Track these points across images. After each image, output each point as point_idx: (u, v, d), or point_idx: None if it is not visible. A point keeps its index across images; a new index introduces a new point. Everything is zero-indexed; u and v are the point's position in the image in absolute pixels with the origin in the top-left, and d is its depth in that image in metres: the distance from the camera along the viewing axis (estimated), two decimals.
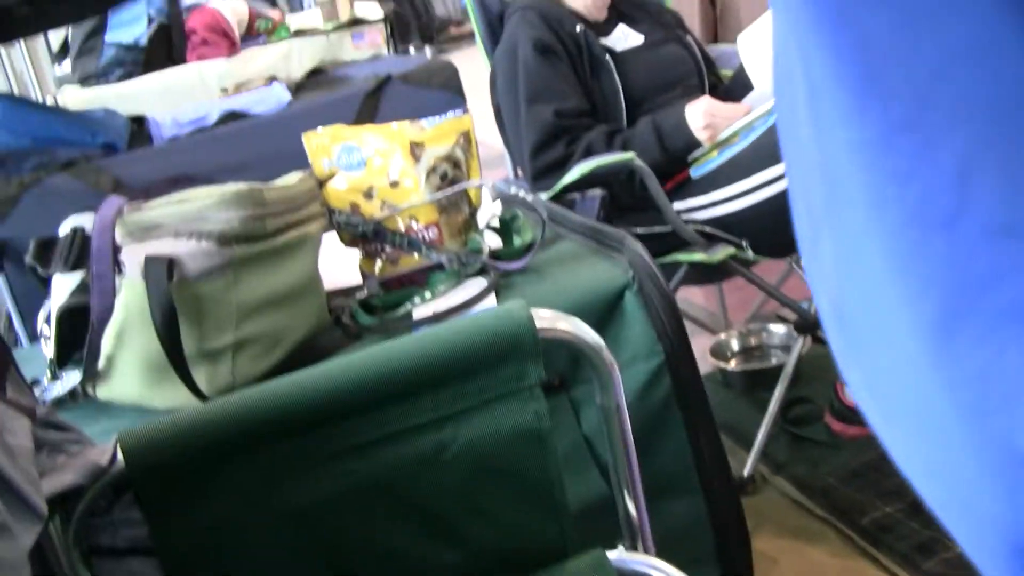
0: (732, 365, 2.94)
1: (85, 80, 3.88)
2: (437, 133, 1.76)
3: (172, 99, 3.49)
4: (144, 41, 3.85)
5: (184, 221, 1.40)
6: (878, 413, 0.42)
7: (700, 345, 2.89)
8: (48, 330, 1.58)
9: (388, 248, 1.74)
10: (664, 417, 1.59)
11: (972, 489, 0.37)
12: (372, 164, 1.75)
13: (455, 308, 1.58)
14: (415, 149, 1.74)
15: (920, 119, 0.35)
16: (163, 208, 1.43)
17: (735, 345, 3.01)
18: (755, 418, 2.44)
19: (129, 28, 3.86)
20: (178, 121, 2.86)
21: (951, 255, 0.35)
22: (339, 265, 1.78)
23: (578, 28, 2.62)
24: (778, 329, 2.98)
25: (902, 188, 0.36)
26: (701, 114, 2.40)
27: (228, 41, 4.04)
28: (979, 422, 0.35)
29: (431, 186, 1.73)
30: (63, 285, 1.53)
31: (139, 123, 2.91)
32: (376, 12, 4.14)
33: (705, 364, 2.85)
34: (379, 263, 1.76)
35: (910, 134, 0.36)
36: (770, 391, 2.43)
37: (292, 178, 1.61)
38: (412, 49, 10.36)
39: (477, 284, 1.65)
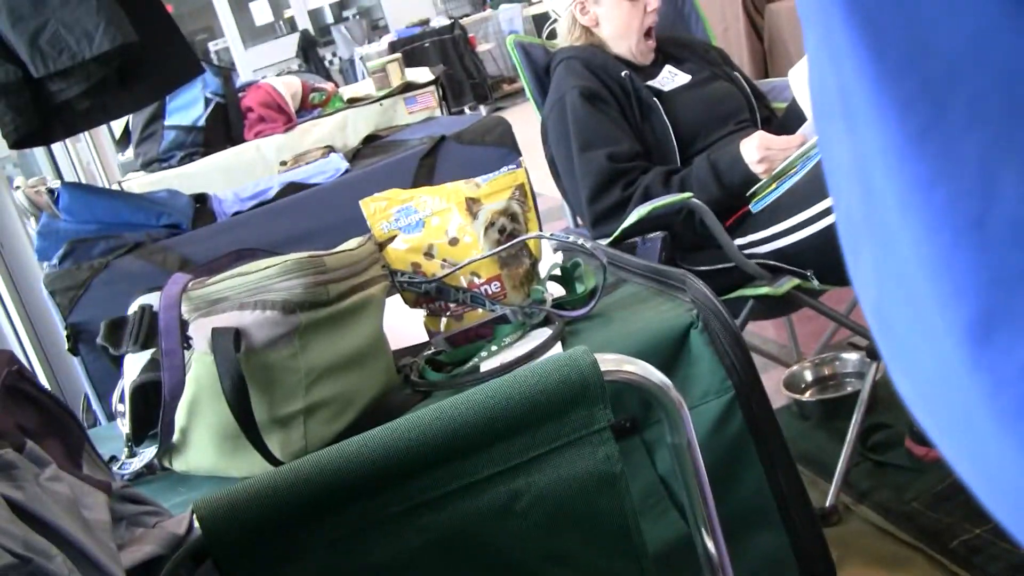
0: (807, 396, 2.91)
1: (148, 165, 3.96)
2: (492, 188, 1.78)
3: (233, 177, 3.56)
4: (202, 122, 3.93)
5: (248, 292, 1.42)
6: (931, 423, 0.42)
7: (774, 378, 2.87)
8: (123, 408, 1.61)
9: (452, 305, 1.75)
10: (739, 452, 1.58)
11: (1020, 496, 0.37)
12: (430, 224, 1.77)
13: (522, 358, 1.58)
14: (472, 206, 1.75)
15: (939, 122, 0.35)
16: (227, 281, 1.45)
17: (809, 376, 2.98)
18: (834, 448, 2.42)
19: (187, 111, 3.94)
20: (240, 197, 2.90)
21: (982, 256, 0.35)
22: (405, 325, 1.79)
23: (623, 73, 2.63)
24: (851, 357, 2.94)
25: (928, 192, 0.36)
26: (756, 148, 2.40)
27: (284, 116, 4.11)
28: (1019, 427, 0.35)
29: (490, 241, 1.74)
30: (135, 363, 1.56)
31: (202, 201, 2.96)
32: (427, 76, 4.20)
33: (780, 397, 2.83)
34: (444, 320, 1.77)
35: (931, 138, 0.36)
36: (847, 420, 2.41)
37: (352, 243, 1.62)
38: (467, 109, 10.45)
39: (543, 334, 1.66)
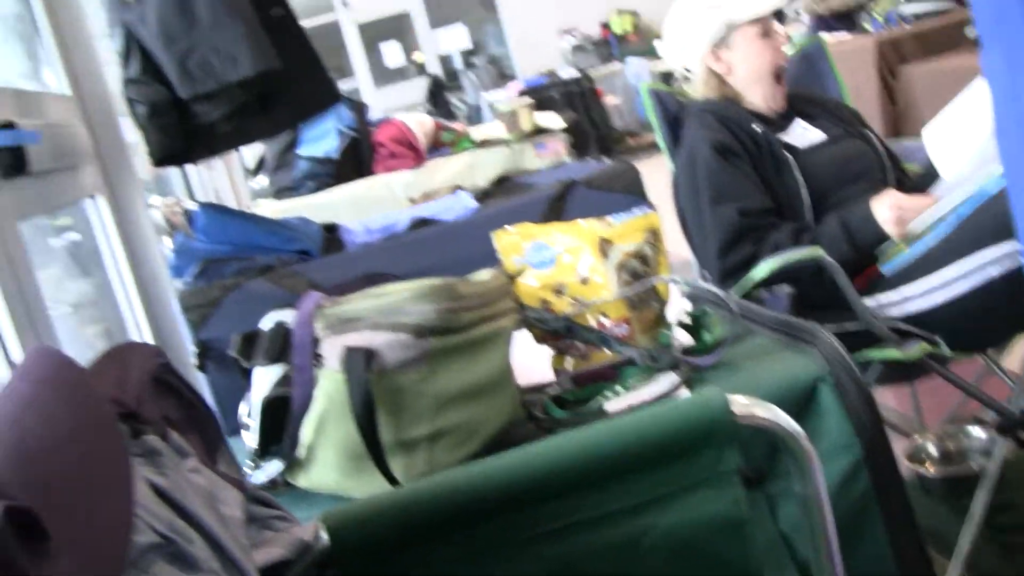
0: (930, 470, 2.84)
1: (279, 192, 4.04)
2: (625, 230, 1.78)
3: (362, 209, 3.61)
4: (335, 155, 4.00)
5: (382, 314, 1.44)
6: None
7: (894, 449, 2.80)
8: (250, 421, 1.63)
9: (579, 344, 1.75)
10: (862, 516, 1.54)
11: None
12: (562, 261, 1.77)
13: (648, 402, 1.57)
14: (604, 246, 1.75)
15: None
16: (361, 302, 1.47)
17: (932, 449, 2.90)
18: (957, 525, 2.35)
19: (320, 143, 4.02)
20: (368, 228, 2.94)
21: None
22: (531, 361, 1.79)
23: (756, 127, 2.62)
24: (977, 432, 2.87)
25: None
26: (888, 207, 2.37)
27: (414, 153, 4.16)
28: None
29: (620, 282, 1.74)
30: (265, 377, 1.58)
31: (332, 231, 3.00)
32: (558, 122, 4.23)
33: (901, 468, 2.77)
34: (570, 359, 1.77)
35: None
36: (971, 498, 2.34)
37: (485, 275, 1.64)
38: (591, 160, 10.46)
39: (669, 379, 1.64)
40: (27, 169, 2.01)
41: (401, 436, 1.46)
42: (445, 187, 3.57)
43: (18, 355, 1.75)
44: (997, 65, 0.46)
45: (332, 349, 1.45)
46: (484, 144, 4.19)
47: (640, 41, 13.79)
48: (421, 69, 14.77)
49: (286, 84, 2.64)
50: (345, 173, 3.94)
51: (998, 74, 0.47)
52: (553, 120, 4.25)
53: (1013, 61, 0.44)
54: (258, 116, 2.68)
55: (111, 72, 2.72)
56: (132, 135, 2.76)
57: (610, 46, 14.02)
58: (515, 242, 1.79)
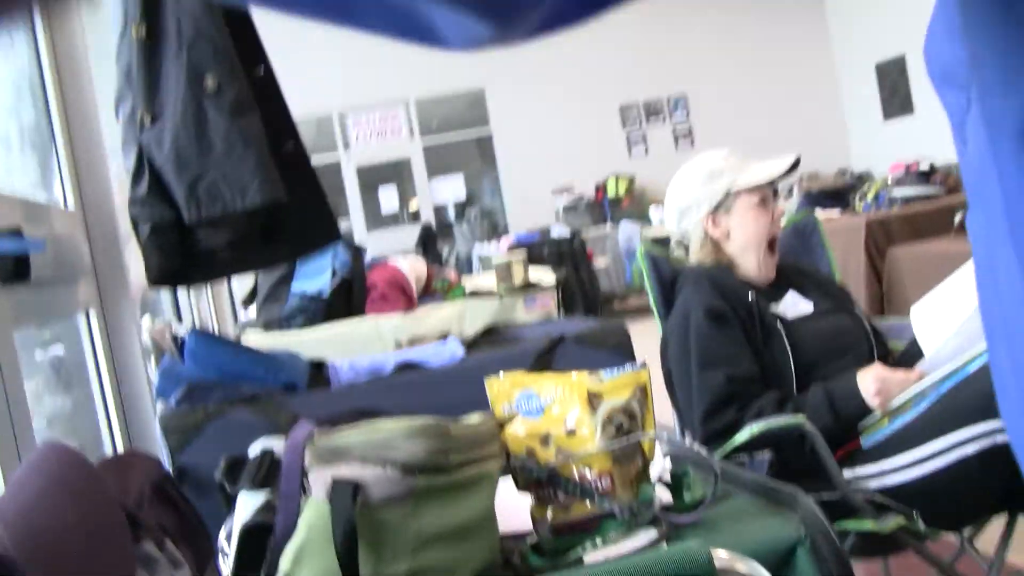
0: None
1: (268, 325, 4.07)
2: (615, 385, 1.80)
3: (348, 348, 3.62)
4: (327, 293, 4.04)
5: (372, 448, 1.45)
6: None
7: None
8: (228, 547, 1.63)
9: (561, 495, 1.76)
10: None
11: None
12: (550, 412, 1.79)
13: (626, 556, 1.58)
14: (593, 399, 1.78)
15: None
16: (353, 435, 1.49)
17: None
18: None
19: (314, 279, 4.06)
20: (355, 367, 2.97)
21: None
22: (510, 509, 1.80)
23: (750, 296, 2.68)
24: None
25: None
26: (872, 380, 2.41)
27: (406, 297, 4.21)
28: None
29: (606, 436, 1.76)
30: (248, 503, 1.58)
31: (318, 367, 3.03)
32: (549, 278, 4.29)
33: None
34: (551, 509, 1.77)
35: None
36: None
37: (475, 418, 1.66)
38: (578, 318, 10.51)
39: (648, 534, 1.65)
40: (28, 277, 2.04)
41: (380, 571, 1.46)
42: (433, 334, 3.60)
43: None
44: (978, 230, 0.49)
45: (319, 479, 1.46)
46: (476, 295, 4.23)
47: (633, 205, 14.02)
48: (415, 216, 14.96)
49: (290, 218, 2.70)
50: (335, 312, 3.97)
51: (979, 241, 0.51)
52: (545, 275, 4.31)
53: (992, 227, 0.47)
54: (258, 247, 2.72)
55: (117, 189, 2.78)
56: (130, 255, 2.80)
57: (603, 208, 14.22)
58: (506, 389, 1.81)
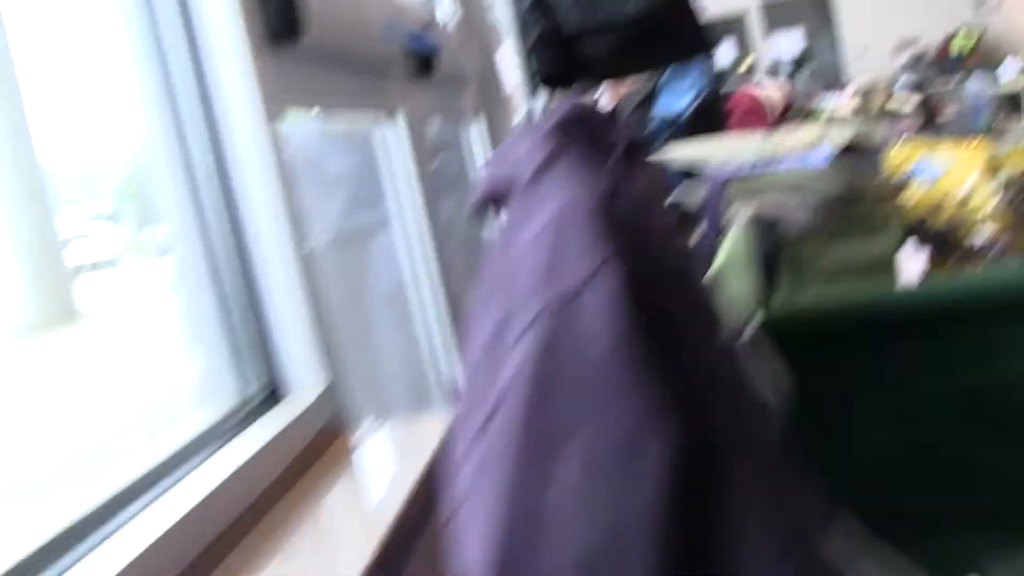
0: None
1: None
2: (1015, 151, 1.83)
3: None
4: (686, 116, 4.11)
5: (788, 185, 1.56)
6: None
7: None
8: None
9: (957, 254, 1.82)
10: None
11: None
12: (945, 179, 1.84)
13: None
14: (992, 165, 1.82)
15: None
16: (768, 177, 1.59)
17: None
18: None
19: (675, 102, 4.14)
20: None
21: None
22: (910, 264, 1.87)
23: None
24: None
25: None
26: None
27: (763, 123, 4.24)
28: None
29: (1007, 200, 1.80)
30: None
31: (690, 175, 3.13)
32: (910, 105, 4.23)
33: None
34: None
35: None
36: None
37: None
38: None
39: None
40: (432, 74, 2.22)
41: (791, 298, 1.57)
42: (800, 146, 3.64)
43: None
44: None
45: (741, 212, 1.58)
46: (833, 121, 4.22)
47: (981, 60, 13.26)
48: (749, 71, 14.70)
49: (663, 27, 2.77)
50: (695, 134, 4.04)
51: None
52: (905, 101, 4.24)
53: None
54: (638, 52, 2.82)
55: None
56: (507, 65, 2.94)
57: (946, 64, 13.51)
58: (906, 155, 1.87)
